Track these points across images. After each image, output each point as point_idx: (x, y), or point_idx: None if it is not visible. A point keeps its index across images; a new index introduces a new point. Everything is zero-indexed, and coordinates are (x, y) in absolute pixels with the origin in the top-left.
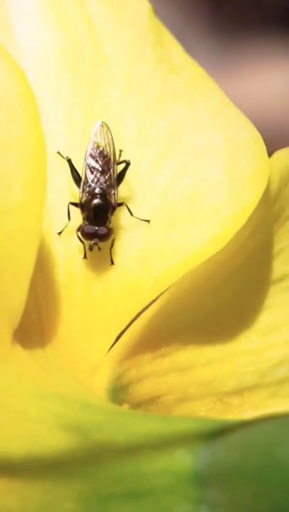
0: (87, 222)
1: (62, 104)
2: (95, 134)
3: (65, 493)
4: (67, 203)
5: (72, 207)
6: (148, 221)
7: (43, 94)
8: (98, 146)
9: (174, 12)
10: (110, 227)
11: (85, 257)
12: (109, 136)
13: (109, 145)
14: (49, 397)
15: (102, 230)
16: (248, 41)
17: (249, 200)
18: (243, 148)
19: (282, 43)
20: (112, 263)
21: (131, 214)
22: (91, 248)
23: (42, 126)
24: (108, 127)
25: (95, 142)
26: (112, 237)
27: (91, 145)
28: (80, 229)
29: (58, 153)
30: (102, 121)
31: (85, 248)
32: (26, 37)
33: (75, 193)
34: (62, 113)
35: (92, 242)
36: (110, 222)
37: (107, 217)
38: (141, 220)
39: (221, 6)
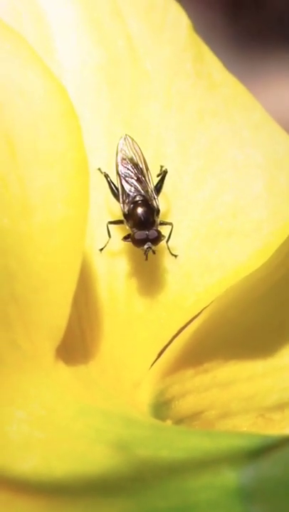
0: (135, 230)
1: (102, 120)
2: (121, 149)
3: (108, 509)
4: (106, 223)
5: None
6: (175, 256)
7: (83, 110)
8: (127, 157)
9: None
10: (159, 229)
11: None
12: (136, 147)
13: (137, 154)
14: (92, 413)
15: (153, 234)
16: (267, 54)
17: None
18: (282, 164)
19: None
20: (146, 259)
21: (168, 239)
22: (146, 256)
23: (84, 143)
24: (133, 139)
25: (122, 152)
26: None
27: (120, 157)
28: (131, 237)
29: (99, 169)
30: (126, 134)
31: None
32: (66, 53)
33: (113, 211)
34: (103, 129)
35: (146, 246)
36: (158, 225)
37: (154, 221)
38: (171, 253)
39: (239, 20)
